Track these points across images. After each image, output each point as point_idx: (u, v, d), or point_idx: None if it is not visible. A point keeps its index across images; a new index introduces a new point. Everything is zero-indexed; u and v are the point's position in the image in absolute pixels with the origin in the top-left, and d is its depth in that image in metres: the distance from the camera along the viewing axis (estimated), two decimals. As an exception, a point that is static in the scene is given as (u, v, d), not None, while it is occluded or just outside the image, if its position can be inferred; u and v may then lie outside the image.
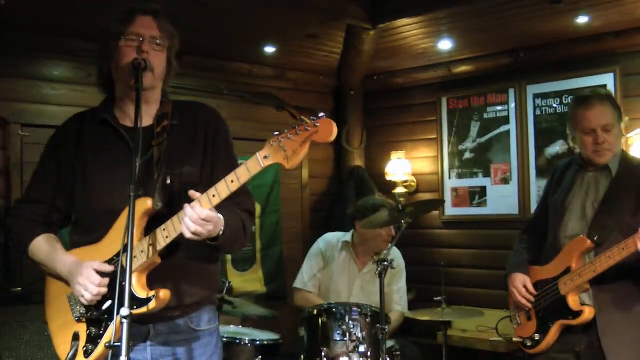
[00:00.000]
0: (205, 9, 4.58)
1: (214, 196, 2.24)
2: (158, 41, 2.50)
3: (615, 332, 3.11)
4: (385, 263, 3.80)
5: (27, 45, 4.84)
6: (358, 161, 6.67)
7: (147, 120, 2.49)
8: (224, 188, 2.23)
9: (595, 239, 3.14)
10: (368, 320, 3.86)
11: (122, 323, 2.01)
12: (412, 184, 6.49)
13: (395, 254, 4.68)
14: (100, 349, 2.34)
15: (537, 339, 3.36)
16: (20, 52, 4.84)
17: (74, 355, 2.36)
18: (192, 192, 2.26)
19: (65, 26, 4.79)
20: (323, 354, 3.78)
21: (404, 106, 6.67)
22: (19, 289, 4.35)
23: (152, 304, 2.26)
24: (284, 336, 4.25)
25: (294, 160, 2.21)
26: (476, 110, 6.13)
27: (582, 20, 4.92)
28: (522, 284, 3.41)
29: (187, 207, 2.21)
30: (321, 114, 2.20)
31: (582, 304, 3.19)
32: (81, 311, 2.42)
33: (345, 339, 3.79)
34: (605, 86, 5.27)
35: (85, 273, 2.33)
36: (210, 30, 5.09)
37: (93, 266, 2.34)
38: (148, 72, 2.41)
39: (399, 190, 6.36)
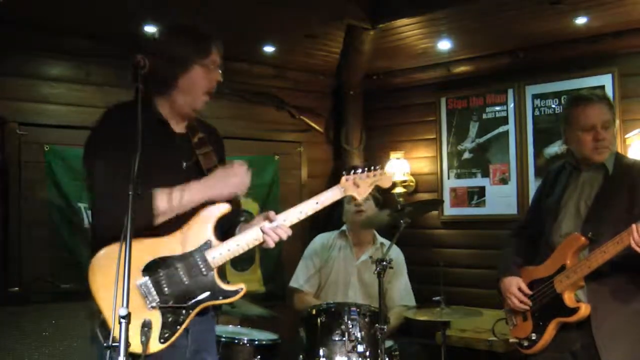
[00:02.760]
0: (206, 7, 4.57)
1: (300, 212, 2.79)
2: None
3: (610, 329, 3.11)
4: (384, 263, 3.80)
5: (25, 44, 4.83)
6: (357, 161, 6.66)
7: (182, 128, 2.81)
8: (311, 208, 2.82)
9: (589, 235, 3.15)
10: (367, 320, 3.85)
11: (120, 323, 2.02)
12: (411, 184, 6.49)
13: (394, 252, 4.68)
14: (179, 332, 2.55)
15: (533, 338, 3.36)
16: (19, 51, 4.84)
17: (147, 341, 2.41)
18: (272, 214, 2.74)
19: (64, 25, 4.79)
20: (322, 353, 3.78)
21: (403, 106, 6.67)
22: (17, 288, 4.35)
23: (239, 295, 2.70)
24: (282, 336, 4.25)
25: (362, 195, 2.94)
26: (475, 110, 6.13)
27: (581, 20, 4.92)
28: (516, 288, 3.40)
29: (284, 227, 2.73)
30: (378, 167, 3.00)
31: (578, 301, 3.20)
32: (157, 300, 2.53)
33: (344, 338, 3.79)
34: (603, 87, 5.27)
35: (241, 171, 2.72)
36: (210, 29, 5.08)
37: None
38: (207, 98, 2.78)
39: (398, 190, 6.36)
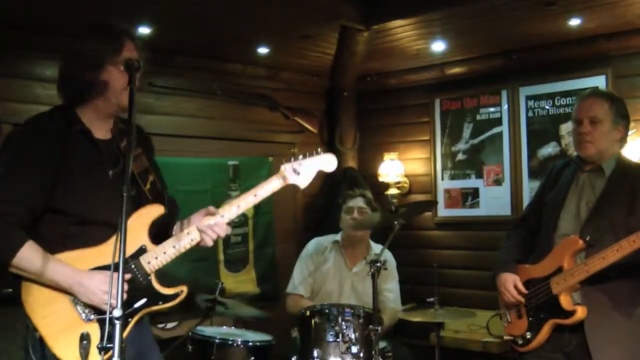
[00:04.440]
0: (199, 8, 4.57)
1: (238, 207, 2.72)
2: (142, 65, 2.57)
3: (602, 331, 3.14)
4: (378, 264, 3.80)
5: (19, 45, 4.81)
6: (351, 162, 6.66)
7: (106, 134, 2.70)
8: (249, 202, 2.76)
9: (587, 239, 3.16)
10: (361, 321, 3.86)
11: (114, 324, 2.03)
12: (405, 185, 6.50)
13: (387, 255, 4.69)
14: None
15: (528, 337, 3.38)
16: (13, 51, 4.82)
17: (87, 355, 2.33)
18: (212, 208, 2.71)
19: (58, 25, 4.77)
20: (315, 354, 3.78)
21: (397, 107, 6.67)
22: (10, 289, 4.32)
23: (179, 298, 2.61)
24: (276, 337, 4.24)
25: (305, 183, 2.79)
26: (469, 111, 6.14)
27: (575, 22, 4.93)
28: (512, 284, 3.42)
29: (222, 224, 2.68)
30: (321, 150, 2.83)
31: (575, 304, 3.21)
32: (92, 312, 2.50)
33: (338, 340, 3.79)
34: (597, 88, 5.28)
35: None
36: (204, 31, 5.09)
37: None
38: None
39: (392, 191, 6.36)
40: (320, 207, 6.52)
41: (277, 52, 5.76)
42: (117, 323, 2.04)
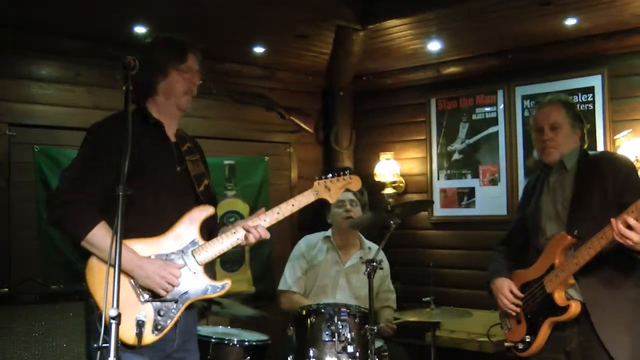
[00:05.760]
0: (196, 7, 4.57)
1: (278, 213, 3.02)
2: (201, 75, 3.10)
3: (612, 321, 3.14)
4: (374, 264, 3.81)
5: (15, 44, 4.82)
6: (347, 162, 6.66)
7: (172, 137, 3.04)
8: (287, 210, 3.04)
9: (575, 233, 3.19)
10: (357, 320, 3.86)
11: (110, 324, 2.07)
12: (401, 184, 6.50)
13: (381, 254, 4.69)
14: (171, 324, 2.78)
15: (528, 340, 3.37)
16: (8, 51, 4.82)
17: (141, 333, 2.68)
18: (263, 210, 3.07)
19: (53, 25, 4.78)
20: (311, 354, 3.79)
21: (393, 107, 6.68)
22: (6, 289, 4.33)
23: (225, 289, 2.96)
24: (272, 337, 4.25)
25: (333, 198, 3.17)
26: (465, 111, 6.14)
27: (571, 22, 4.94)
28: (507, 290, 3.43)
29: (263, 228, 2.99)
30: (347, 171, 3.22)
31: (570, 299, 3.22)
32: (149, 294, 2.77)
33: (334, 339, 3.79)
34: (593, 88, 5.30)
35: (169, 270, 2.78)
36: (201, 30, 5.08)
37: (174, 265, 2.81)
38: (189, 97, 3.03)
39: (388, 191, 6.36)
40: (315, 207, 6.51)
41: (273, 52, 5.76)
42: (113, 323, 2.06)
